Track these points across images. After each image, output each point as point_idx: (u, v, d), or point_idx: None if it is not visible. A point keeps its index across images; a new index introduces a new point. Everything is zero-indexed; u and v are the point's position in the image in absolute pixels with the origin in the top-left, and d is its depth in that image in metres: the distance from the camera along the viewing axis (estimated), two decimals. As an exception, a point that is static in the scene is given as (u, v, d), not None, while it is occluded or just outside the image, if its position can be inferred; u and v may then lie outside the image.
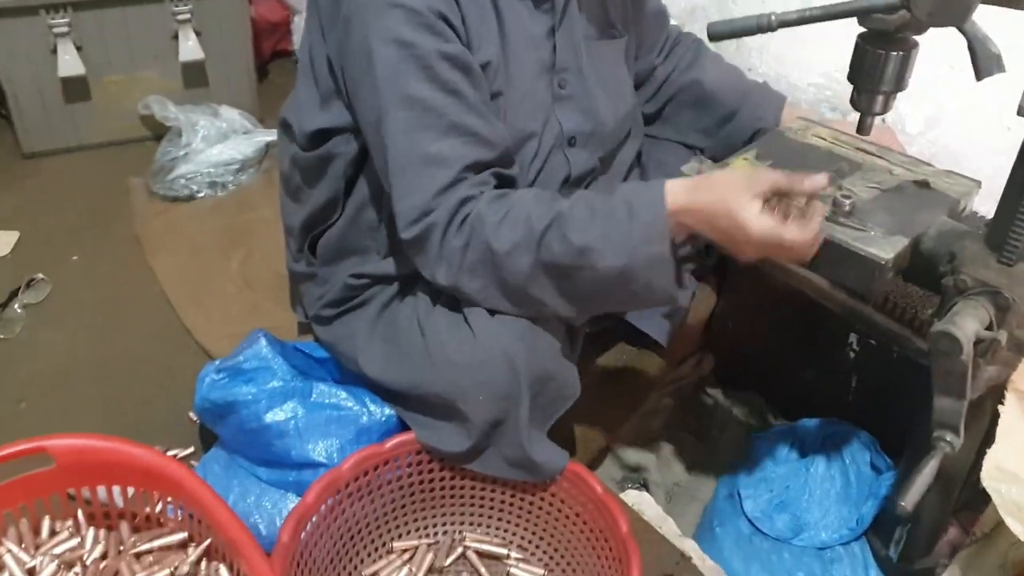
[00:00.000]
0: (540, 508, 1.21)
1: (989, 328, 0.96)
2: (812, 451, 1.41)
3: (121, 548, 1.08)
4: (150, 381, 1.48)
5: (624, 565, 1.06)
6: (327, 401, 1.23)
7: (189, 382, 1.30)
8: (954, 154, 1.49)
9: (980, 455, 1.14)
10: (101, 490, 1.11)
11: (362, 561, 1.21)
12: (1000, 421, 1.09)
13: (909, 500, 0.96)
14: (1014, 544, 1.10)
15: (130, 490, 1.11)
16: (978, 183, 1.17)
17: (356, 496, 1.18)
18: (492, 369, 1.10)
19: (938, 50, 1.38)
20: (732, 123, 1.42)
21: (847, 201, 1.07)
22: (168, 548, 1.08)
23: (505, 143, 1.11)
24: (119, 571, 1.03)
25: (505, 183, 1.12)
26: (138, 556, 1.07)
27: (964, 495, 1.32)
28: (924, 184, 1.15)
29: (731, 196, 0.98)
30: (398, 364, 1.20)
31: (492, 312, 1.12)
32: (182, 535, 1.09)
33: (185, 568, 1.04)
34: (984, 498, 1.17)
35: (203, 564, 1.06)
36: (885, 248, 1.03)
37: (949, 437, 1.00)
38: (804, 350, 1.55)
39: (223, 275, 1.65)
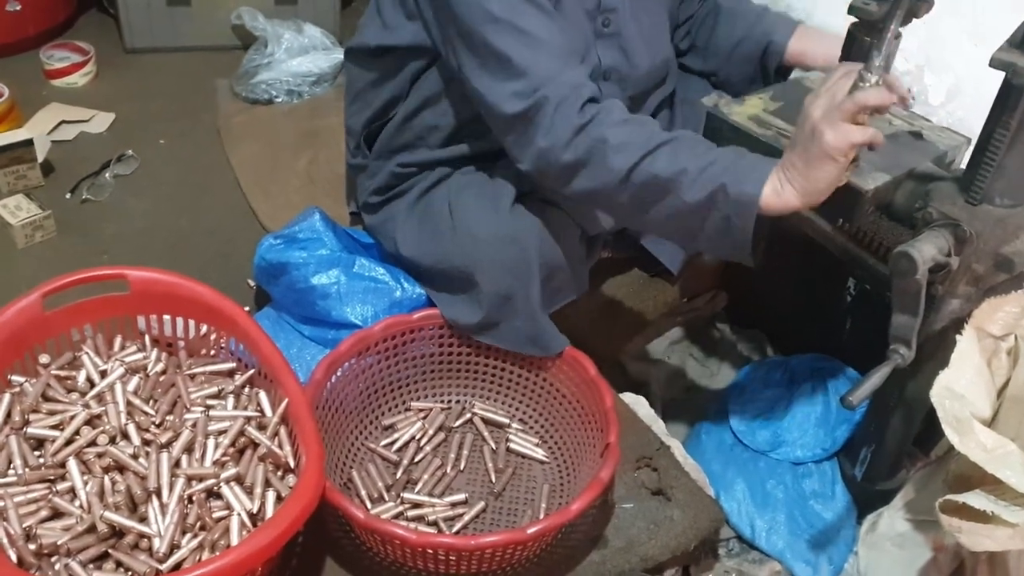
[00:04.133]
0: (540, 387, 1.37)
1: (947, 256, 1.08)
2: (800, 381, 1.54)
3: (179, 368, 1.27)
4: (217, 250, 1.66)
5: (604, 434, 1.21)
6: (367, 273, 1.40)
7: (250, 255, 1.48)
8: (970, 125, 1.58)
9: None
10: (166, 320, 1.30)
11: (383, 414, 1.38)
12: (956, 349, 1.21)
13: (856, 396, 1.09)
14: (955, 457, 1.22)
15: (191, 324, 1.30)
16: (968, 139, 1.27)
17: (383, 356, 1.34)
18: (506, 244, 1.25)
19: (962, 25, 1.48)
20: (745, 41, 1.48)
21: None
22: (217, 374, 1.26)
23: None
24: (175, 383, 1.21)
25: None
26: (192, 377, 1.25)
27: (935, 433, 1.44)
28: (917, 135, 1.26)
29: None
30: (429, 241, 1.35)
31: (518, 199, 1.27)
32: (230, 364, 1.27)
33: (230, 388, 1.22)
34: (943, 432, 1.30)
35: (246, 389, 1.24)
36: (867, 180, 1.15)
37: (902, 350, 1.13)
38: (807, 293, 1.67)
39: (290, 170, 1.82)
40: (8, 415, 1.13)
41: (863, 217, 1.21)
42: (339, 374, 1.29)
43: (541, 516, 1.25)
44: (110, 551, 1.03)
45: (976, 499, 1.08)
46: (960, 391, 1.16)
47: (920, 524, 1.34)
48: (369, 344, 1.32)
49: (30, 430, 1.12)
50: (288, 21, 2.15)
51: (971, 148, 1.30)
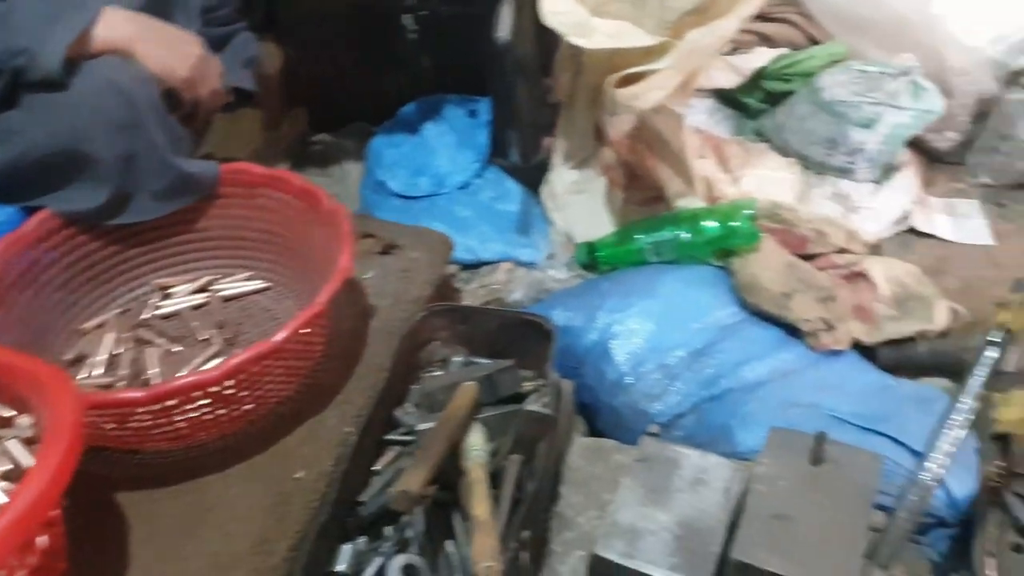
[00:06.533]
0: (219, 222, 1.21)
1: None
2: (419, 126, 1.58)
3: None
4: None
5: (311, 210, 1.12)
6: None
7: None
8: None
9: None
10: None
11: (59, 353, 1.11)
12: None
13: (503, 30, 1.14)
14: (583, 75, 1.36)
15: None
16: None
17: (19, 289, 1.07)
18: (104, 98, 1.06)
19: None
20: None
21: None
22: None
23: None
24: None
25: None
26: None
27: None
28: None
29: None
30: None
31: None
32: None
33: None
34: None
35: None
36: None
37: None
38: (374, 63, 1.69)
39: None
40: None
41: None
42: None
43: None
44: None
45: (636, 67, 1.22)
46: (561, 9, 1.28)
47: (583, 162, 1.49)
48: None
49: None
50: None
51: None
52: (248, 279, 1.21)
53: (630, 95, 1.20)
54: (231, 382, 0.92)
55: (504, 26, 1.13)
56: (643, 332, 1.23)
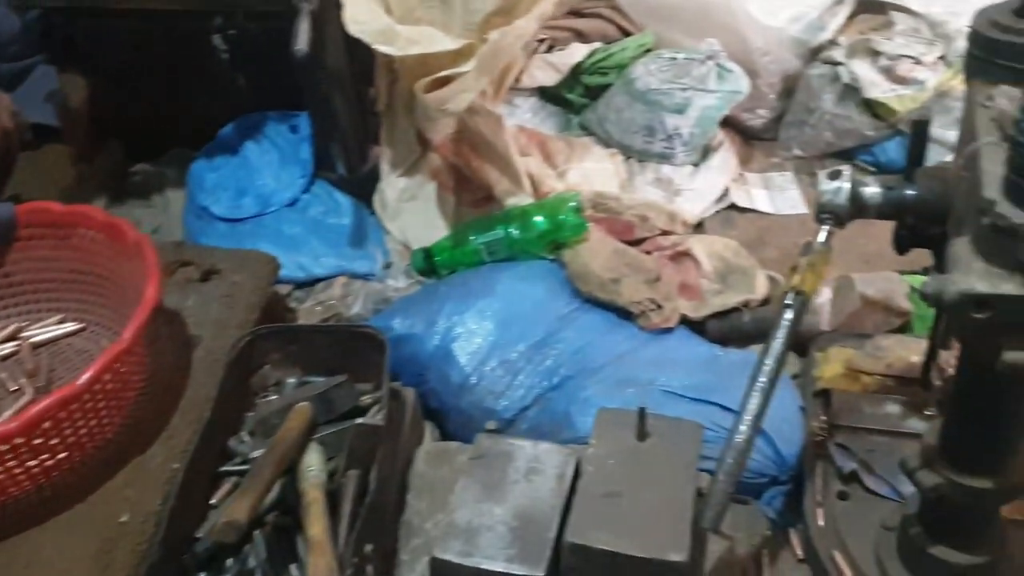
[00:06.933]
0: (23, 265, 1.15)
1: None
2: (240, 146, 1.54)
3: None
4: None
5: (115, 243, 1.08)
6: None
7: None
8: None
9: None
10: None
11: None
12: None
13: (301, 42, 1.13)
14: (400, 82, 1.37)
15: None
16: None
17: None
18: None
19: None
20: None
21: None
22: None
23: None
24: None
25: None
26: None
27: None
28: None
29: None
30: None
31: None
32: None
33: None
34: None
35: None
36: None
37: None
38: (187, 86, 1.63)
39: None
40: None
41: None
42: None
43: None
44: None
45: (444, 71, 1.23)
46: (363, 18, 1.28)
47: (411, 169, 1.49)
48: None
49: None
50: None
51: None
52: (59, 322, 1.15)
53: (440, 99, 1.20)
54: (36, 431, 0.87)
55: (302, 39, 1.12)
56: (483, 331, 1.23)
